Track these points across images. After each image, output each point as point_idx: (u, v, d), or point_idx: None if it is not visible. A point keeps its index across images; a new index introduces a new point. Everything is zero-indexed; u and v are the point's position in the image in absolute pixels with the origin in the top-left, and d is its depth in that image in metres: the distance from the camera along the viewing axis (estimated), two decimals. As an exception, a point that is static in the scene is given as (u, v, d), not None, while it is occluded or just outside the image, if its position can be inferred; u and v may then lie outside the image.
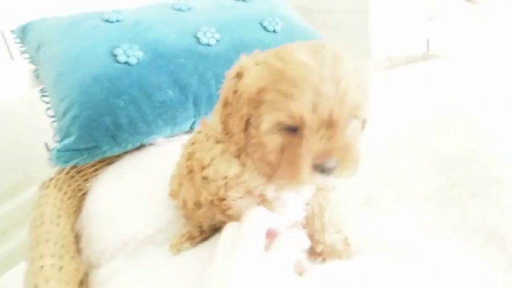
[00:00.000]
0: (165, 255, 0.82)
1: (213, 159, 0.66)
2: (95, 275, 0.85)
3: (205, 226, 0.82)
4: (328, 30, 1.52)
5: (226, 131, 0.58)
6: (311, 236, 0.74)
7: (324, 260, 0.74)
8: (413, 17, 2.11)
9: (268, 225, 0.58)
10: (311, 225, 0.74)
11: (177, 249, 0.82)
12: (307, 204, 0.70)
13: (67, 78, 1.07)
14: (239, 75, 0.55)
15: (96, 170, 1.15)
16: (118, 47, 1.12)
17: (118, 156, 1.14)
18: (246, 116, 0.55)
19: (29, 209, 0.93)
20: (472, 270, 0.69)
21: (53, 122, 1.10)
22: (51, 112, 1.13)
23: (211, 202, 0.70)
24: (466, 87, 1.20)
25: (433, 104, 1.13)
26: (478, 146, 0.91)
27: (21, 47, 1.26)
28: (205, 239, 0.83)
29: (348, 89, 0.50)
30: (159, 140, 1.16)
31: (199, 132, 0.76)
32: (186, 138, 0.87)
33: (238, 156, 0.60)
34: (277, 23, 1.34)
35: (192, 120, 1.18)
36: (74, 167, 1.11)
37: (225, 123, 0.58)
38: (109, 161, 1.15)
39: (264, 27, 1.32)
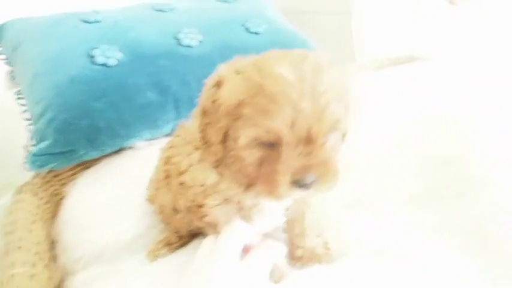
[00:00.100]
0: (142, 262, 0.81)
1: (190, 165, 0.64)
2: (71, 282, 0.83)
3: (183, 232, 0.80)
4: (312, 32, 1.51)
5: (205, 141, 0.56)
6: (291, 240, 0.73)
7: (303, 264, 0.73)
8: (396, 19, 2.11)
9: (245, 239, 0.57)
10: (291, 229, 0.73)
11: (154, 255, 0.80)
12: (287, 209, 0.69)
13: (43, 79, 1.05)
14: (218, 84, 0.53)
15: (74, 174, 1.13)
16: (96, 48, 1.10)
17: (96, 160, 1.12)
18: (224, 128, 0.53)
19: (1, 215, 0.91)
20: (454, 270, 0.69)
21: (29, 125, 1.08)
22: (27, 115, 1.10)
23: (189, 209, 0.68)
24: (450, 89, 1.21)
25: (417, 106, 1.14)
26: (460, 148, 0.92)
27: (-3, 47, 1.23)
28: (183, 244, 0.81)
29: (328, 104, 0.49)
30: (139, 143, 1.13)
31: (177, 136, 0.74)
32: (166, 141, 0.85)
33: (216, 167, 0.58)
34: (260, 25, 1.33)
35: (173, 123, 1.15)
36: (51, 171, 1.09)
37: (203, 132, 0.56)
38: (87, 164, 1.12)
39: (247, 29, 1.31)
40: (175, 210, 0.74)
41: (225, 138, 0.54)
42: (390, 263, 0.70)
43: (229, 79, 0.52)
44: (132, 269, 0.79)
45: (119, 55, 1.10)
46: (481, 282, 0.66)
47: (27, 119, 1.09)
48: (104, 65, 1.08)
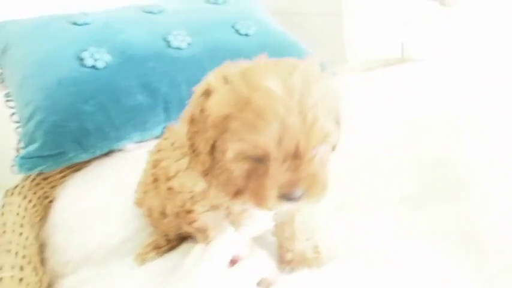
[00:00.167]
0: (130, 265, 0.80)
1: (178, 171, 0.64)
2: (60, 286, 0.82)
3: (171, 235, 0.80)
4: (303, 33, 1.52)
5: (193, 149, 0.56)
6: (281, 244, 0.73)
7: (292, 268, 0.72)
8: (388, 20, 2.12)
9: (234, 250, 0.57)
10: (281, 232, 0.73)
11: (142, 259, 0.80)
12: (276, 212, 0.69)
13: (32, 82, 1.04)
14: (207, 93, 0.52)
15: (64, 176, 1.13)
16: (85, 50, 1.10)
17: (86, 162, 1.12)
18: (212, 139, 0.52)
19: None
20: (444, 273, 0.69)
21: (18, 127, 1.07)
22: (16, 117, 1.09)
23: (177, 214, 0.68)
24: (441, 90, 1.21)
25: (408, 108, 1.14)
26: (451, 150, 0.92)
27: (-14, 50, 1.22)
28: (172, 248, 0.81)
29: (316, 119, 0.48)
30: (128, 145, 1.13)
31: (165, 139, 0.74)
32: (156, 143, 0.85)
33: (204, 176, 0.58)
34: (250, 27, 1.33)
35: (163, 125, 1.15)
36: (41, 173, 1.09)
37: (191, 140, 0.55)
38: (77, 167, 1.12)
39: (237, 31, 1.31)
40: (164, 214, 0.74)
41: (212, 149, 0.53)
42: (380, 266, 0.70)
43: (218, 89, 0.51)
44: (120, 272, 0.79)
45: (108, 57, 1.10)
46: (472, 285, 0.66)
47: (17, 122, 1.09)
48: (93, 67, 1.08)
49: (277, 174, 0.49)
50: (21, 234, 0.87)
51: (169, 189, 0.67)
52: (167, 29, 1.23)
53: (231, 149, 0.50)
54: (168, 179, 0.66)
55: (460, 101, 1.11)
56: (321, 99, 0.49)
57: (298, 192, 0.50)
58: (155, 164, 0.74)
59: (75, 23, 1.18)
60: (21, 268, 0.76)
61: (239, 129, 0.48)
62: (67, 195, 1.02)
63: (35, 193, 1.05)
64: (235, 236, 0.59)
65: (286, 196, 0.50)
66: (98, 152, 1.10)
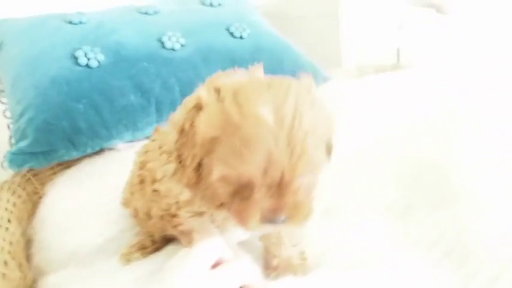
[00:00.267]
0: (114, 265, 0.80)
1: (164, 176, 0.64)
2: (43, 283, 0.82)
3: (156, 236, 0.80)
4: (299, 37, 1.52)
5: (180, 160, 0.55)
6: (267, 249, 0.73)
7: (278, 274, 0.71)
8: (383, 25, 2.12)
9: (218, 254, 0.57)
10: (267, 238, 0.72)
11: (126, 259, 0.80)
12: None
13: (25, 79, 1.05)
14: (198, 107, 0.52)
15: (54, 173, 1.13)
16: (79, 49, 1.10)
17: (77, 160, 1.12)
18: (198, 156, 0.52)
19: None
20: (431, 283, 0.69)
21: (10, 124, 1.08)
22: (8, 114, 1.10)
23: (162, 217, 0.68)
24: (433, 98, 1.20)
25: (398, 114, 1.13)
26: (442, 158, 0.91)
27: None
28: (157, 249, 0.81)
29: (305, 152, 0.48)
30: (120, 144, 1.14)
31: (153, 140, 0.74)
32: (144, 144, 0.85)
33: (189, 188, 0.59)
34: (244, 29, 1.34)
35: (154, 125, 1.14)
36: (31, 169, 1.09)
37: (179, 150, 0.55)
38: (67, 164, 1.13)
39: (231, 33, 1.32)
40: (149, 216, 0.74)
41: (199, 165, 0.53)
42: (367, 274, 0.70)
43: (209, 106, 0.50)
44: (104, 272, 0.78)
45: (101, 57, 1.11)
46: None
47: (9, 118, 1.10)
48: (86, 66, 1.09)
49: (260, 201, 0.49)
50: (7, 229, 0.87)
51: (155, 191, 0.66)
52: (161, 30, 1.23)
53: (216, 171, 0.49)
54: (154, 181, 0.66)
55: (452, 109, 1.10)
56: (312, 129, 0.48)
57: (281, 217, 0.50)
58: (142, 165, 0.73)
59: (70, 22, 1.19)
60: (6, 263, 0.77)
61: (225, 155, 0.48)
62: (56, 192, 1.02)
63: (24, 189, 1.06)
64: (219, 240, 0.58)
65: (268, 220, 0.50)
66: (89, 150, 1.10)
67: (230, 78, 0.56)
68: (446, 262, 0.71)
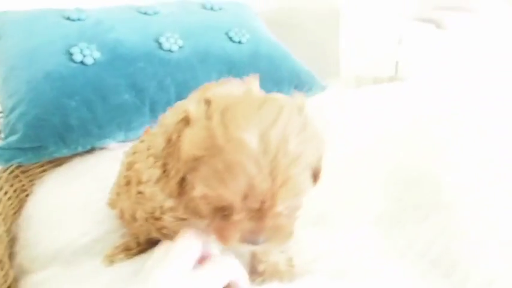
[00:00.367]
0: (98, 266, 0.79)
1: (149, 180, 0.63)
2: (25, 282, 0.81)
3: (142, 238, 0.79)
4: (299, 45, 1.52)
5: (164, 169, 0.54)
6: (254, 254, 0.72)
7: (264, 280, 0.71)
8: (383, 39, 2.13)
9: (200, 249, 0.56)
10: None
11: (110, 260, 0.79)
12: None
13: (18, 73, 1.04)
14: (186, 121, 0.51)
15: (44, 171, 1.12)
16: (75, 45, 1.09)
17: (68, 158, 1.10)
18: (182, 172, 0.51)
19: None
20: None
21: (0, 118, 1.06)
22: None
23: (146, 219, 0.67)
24: (428, 111, 1.21)
25: (393, 127, 1.13)
26: (433, 171, 0.91)
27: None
28: (142, 251, 0.79)
29: (287, 181, 0.47)
30: (112, 144, 1.12)
31: (141, 141, 0.73)
32: (132, 145, 0.84)
33: (172, 199, 0.58)
34: (243, 34, 1.33)
35: (148, 126, 1.15)
36: (20, 166, 1.08)
37: (165, 159, 0.54)
38: (58, 162, 1.11)
39: (230, 38, 1.31)
40: (134, 218, 0.72)
41: (182, 179, 0.52)
42: (353, 284, 0.70)
43: (196, 123, 0.49)
44: (87, 273, 0.77)
45: (97, 54, 1.10)
46: None
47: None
48: (81, 63, 1.07)
49: (240, 223, 0.49)
50: (-9, 226, 0.86)
51: (140, 193, 0.66)
52: (160, 30, 1.22)
53: (198, 190, 0.49)
54: (140, 182, 0.65)
55: (444, 121, 1.11)
56: (297, 156, 0.47)
57: (260, 239, 0.50)
58: (129, 166, 0.73)
59: (68, 18, 1.18)
60: (-13, 260, 0.75)
61: (207, 175, 0.47)
62: (44, 190, 1.01)
63: (11, 185, 1.04)
64: (200, 234, 0.57)
65: (248, 241, 0.50)
66: (80, 149, 1.09)
67: (223, 89, 0.55)
68: (432, 275, 0.71)
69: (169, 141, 0.52)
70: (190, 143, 0.48)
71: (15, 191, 1.04)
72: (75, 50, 1.08)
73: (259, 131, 0.46)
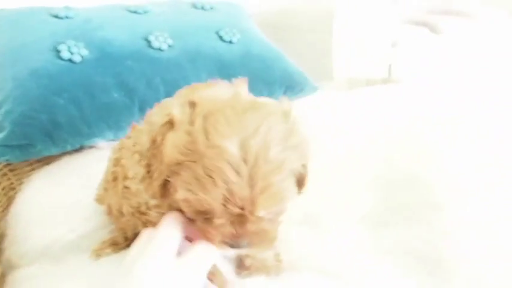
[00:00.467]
0: (85, 261, 0.79)
1: (134, 178, 0.64)
2: (13, 276, 0.81)
3: (129, 234, 0.79)
4: (293, 48, 1.52)
5: (148, 170, 0.55)
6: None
7: (250, 274, 0.71)
8: (377, 41, 2.14)
9: (182, 234, 0.56)
10: None
11: (97, 254, 0.79)
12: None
13: (4, 71, 1.04)
14: (170, 124, 0.51)
15: (33, 169, 1.11)
16: (63, 43, 1.09)
17: (56, 157, 1.10)
18: (164, 174, 0.51)
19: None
20: None
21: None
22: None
23: (132, 213, 0.68)
24: (419, 113, 1.21)
25: (383, 128, 1.14)
26: (421, 172, 0.92)
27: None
28: (129, 246, 0.79)
29: (268, 188, 0.47)
30: (101, 143, 1.12)
31: (128, 138, 0.73)
32: (120, 141, 0.84)
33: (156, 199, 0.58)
34: (234, 34, 1.33)
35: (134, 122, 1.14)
36: (8, 164, 1.07)
37: (149, 160, 0.54)
38: (47, 161, 1.11)
39: (221, 37, 1.31)
40: (122, 213, 0.73)
41: (166, 181, 0.52)
42: (339, 281, 0.70)
43: (179, 126, 0.50)
44: (74, 268, 0.78)
45: (85, 52, 1.10)
46: None
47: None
48: (69, 60, 1.07)
49: (221, 227, 0.49)
50: (-21, 223, 0.85)
51: (126, 188, 0.66)
52: (149, 29, 1.22)
53: (180, 193, 0.49)
54: (126, 178, 0.66)
55: (436, 125, 1.11)
56: (279, 164, 0.48)
57: (242, 243, 0.50)
58: (116, 162, 0.73)
59: (56, 16, 1.18)
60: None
61: (188, 180, 0.48)
62: (32, 188, 1.01)
63: (0, 183, 1.03)
64: (182, 217, 0.56)
65: (229, 245, 0.50)
66: (69, 147, 1.08)
67: (210, 92, 0.55)
68: (417, 272, 0.72)
69: (153, 142, 0.53)
70: (173, 147, 0.49)
71: (3, 188, 1.04)
72: (62, 48, 1.08)
73: (240, 138, 0.47)
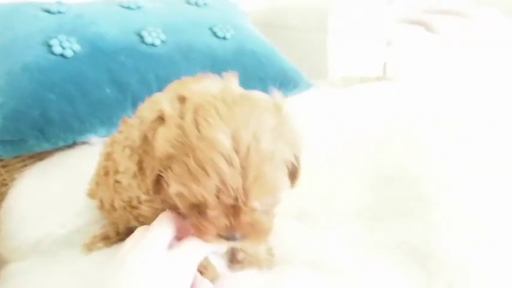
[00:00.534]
0: (77, 255, 0.79)
1: (125, 173, 0.64)
2: (5, 271, 0.82)
3: (121, 228, 0.78)
4: (288, 46, 1.53)
5: (140, 167, 0.55)
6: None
7: (242, 267, 0.71)
8: (371, 40, 2.15)
9: (174, 230, 0.56)
10: None
11: (88, 248, 0.78)
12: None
13: (-5, 66, 1.03)
14: (160, 119, 0.51)
15: (25, 165, 1.10)
16: (54, 37, 1.08)
17: (49, 153, 1.10)
18: (157, 169, 0.52)
19: None
20: (394, 285, 0.69)
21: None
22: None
23: (124, 208, 0.67)
24: (410, 110, 1.22)
25: (376, 124, 1.14)
26: (413, 167, 0.92)
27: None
28: (121, 240, 0.78)
29: (260, 177, 0.48)
30: (94, 139, 1.11)
31: (120, 132, 0.73)
32: (111, 135, 0.84)
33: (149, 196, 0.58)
34: (228, 30, 1.33)
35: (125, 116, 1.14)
36: (0, 160, 1.07)
37: (141, 157, 0.55)
38: (40, 157, 1.10)
39: (214, 33, 1.31)
40: (114, 207, 0.72)
41: (159, 177, 0.53)
42: (328, 276, 0.70)
43: (170, 120, 0.50)
44: (65, 262, 0.77)
45: (77, 47, 1.09)
46: None
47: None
48: (61, 55, 1.07)
49: (215, 219, 0.49)
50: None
51: (117, 182, 0.66)
52: (142, 24, 1.22)
53: (172, 187, 0.50)
54: (117, 172, 0.66)
55: (428, 121, 1.12)
56: (271, 154, 0.48)
57: (236, 236, 0.50)
58: (107, 157, 0.73)
59: (48, 11, 1.17)
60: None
61: (180, 173, 0.48)
62: (24, 183, 1.00)
63: (-9, 180, 1.03)
64: (175, 217, 0.57)
65: (224, 237, 0.50)
66: (61, 143, 1.08)
67: (200, 86, 0.56)
68: (408, 265, 0.73)
69: (145, 138, 0.53)
70: (164, 140, 0.49)
71: (-5, 184, 1.03)
72: (54, 42, 1.07)
73: (231, 129, 0.47)
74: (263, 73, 1.32)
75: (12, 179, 1.06)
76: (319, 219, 0.85)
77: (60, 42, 1.08)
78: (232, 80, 0.56)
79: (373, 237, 0.79)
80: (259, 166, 0.47)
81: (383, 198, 0.87)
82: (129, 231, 0.77)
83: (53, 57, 1.06)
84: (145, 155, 0.53)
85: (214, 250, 0.60)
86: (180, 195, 0.50)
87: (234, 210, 0.49)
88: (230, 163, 0.46)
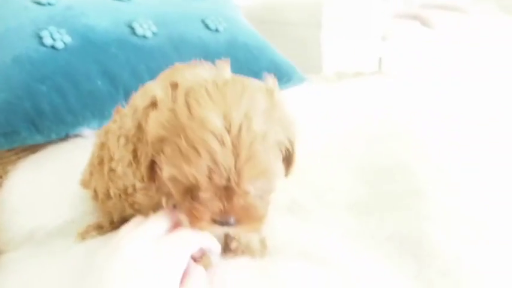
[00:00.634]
0: (71, 245, 0.79)
1: (120, 161, 0.64)
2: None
3: (115, 218, 0.78)
4: (282, 41, 1.52)
5: (134, 155, 0.55)
6: (227, 232, 0.72)
7: (235, 256, 0.71)
8: (366, 35, 2.15)
9: (169, 222, 0.57)
10: None
11: (82, 237, 0.79)
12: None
13: (-15, 58, 1.03)
14: (153, 105, 0.51)
15: (19, 158, 1.10)
16: (45, 29, 1.08)
17: (42, 146, 1.09)
18: (150, 154, 0.52)
19: None
20: (384, 276, 0.69)
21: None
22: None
23: (119, 196, 0.68)
24: (404, 103, 1.23)
25: (369, 117, 1.16)
26: (406, 160, 0.93)
27: None
28: (115, 229, 0.79)
29: (252, 157, 0.47)
30: (86, 131, 1.11)
31: (114, 122, 0.73)
32: (105, 125, 0.84)
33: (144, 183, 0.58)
34: (220, 22, 1.33)
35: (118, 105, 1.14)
36: (-7, 153, 1.06)
37: (135, 145, 0.55)
38: (33, 150, 1.10)
39: (206, 25, 1.31)
40: (108, 196, 0.72)
41: (153, 163, 0.53)
42: (320, 267, 0.70)
43: (162, 105, 0.50)
44: (59, 250, 0.78)
45: (67, 39, 1.09)
46: (413, 285, 0.67)
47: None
48: (52, 47, 1.06)
49: (208, 203, 0.49)
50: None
51: (112, 170, 0.66)
52: (132, 16, 1.21)
53: (166, 170, 0.50)
54: (111, 159, 0.66)
55: (421, 115, 1.13)
56: (262, 134, 0.48)
57: (230, 221, 0.50)
58: (102, 146, 0.73)
59: (38, 3, 1.17)
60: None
61: (172, 155, 0.48)
62: (18, 175, 1.00)
63: (-16, 172, 1.03)
64: (171, 211, 0.58)
65: (218, 222, 0.50)
66: (54, 136, 1.08)
67: (192, 72, 0.56)
68: (399, 255, 0.73)
69: (139, 126, 0.53)
70: (155, 123, 0.49)
71: (-12, 177, 1.03)
72: (45, 34, 1.07)
73: (222, 109, 0.47)
74: (256, 66, 1.32)
75: (6, 172, 1.06)
76: (311, 211, 0.85)
77: (51, 33, 1.07)
78: (224, 67, 0.56)
79: (366, 229, 0.80)
80: (251, 145, 0.47)
81: (376, 191, 0.87)
82: (123, 220, 0.78)
83: (44, 49, 1.05)
84: (139, 142, 0.53)
85: (210, 248, 0.60)
86: (172, 179, 0.50)
87: (227, 192, 0.49)
88: (221, 142, 0.46)
